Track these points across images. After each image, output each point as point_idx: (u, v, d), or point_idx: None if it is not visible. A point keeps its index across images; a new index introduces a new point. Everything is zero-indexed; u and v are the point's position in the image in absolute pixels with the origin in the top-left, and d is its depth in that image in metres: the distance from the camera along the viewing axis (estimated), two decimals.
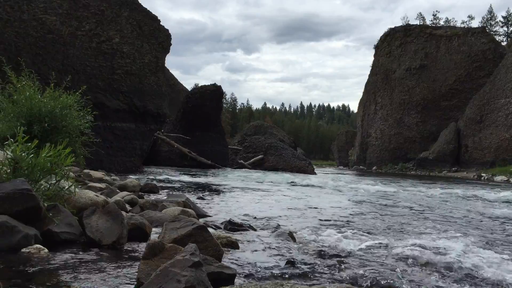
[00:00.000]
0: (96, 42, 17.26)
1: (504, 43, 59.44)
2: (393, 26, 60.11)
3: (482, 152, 42.53)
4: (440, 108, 51.07)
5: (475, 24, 71.13)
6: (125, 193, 6.54)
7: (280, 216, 6.54)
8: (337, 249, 4.25)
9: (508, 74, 40.11)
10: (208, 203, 7.92)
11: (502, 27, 68.39)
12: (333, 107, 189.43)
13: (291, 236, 4.64)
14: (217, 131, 29.52)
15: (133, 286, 2.48)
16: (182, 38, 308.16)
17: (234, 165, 29.62)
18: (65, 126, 6.53)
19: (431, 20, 67.42)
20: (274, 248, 4.03)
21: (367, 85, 62.51)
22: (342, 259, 3.81)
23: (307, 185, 15.35)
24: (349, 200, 10.38)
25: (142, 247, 3.49)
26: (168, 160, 26.18)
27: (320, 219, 6.49)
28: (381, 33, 61.82)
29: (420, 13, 78.99)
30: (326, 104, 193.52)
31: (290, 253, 3.90)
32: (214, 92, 28.71)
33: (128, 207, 5.52)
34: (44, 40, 15.45)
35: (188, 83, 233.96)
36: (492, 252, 4.38)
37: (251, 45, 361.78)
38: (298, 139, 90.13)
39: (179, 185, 12.42)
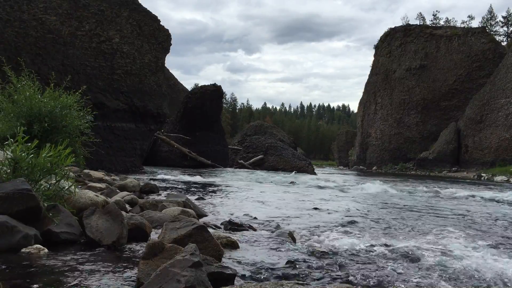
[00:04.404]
0: (96, 42, 17.26)
1: (504, 43, 59.42)
2: (393, 26, 60.14)
3: (482, 152, 42.53)
4: (440, 108, 51.09)
5: (475, 24, 71.17)
6: (125, 193, 6.54)
7: (280, 216, 6.54)
8: (337, 249, 4.25)
9: (508, 74, 40.10)
10: (208, 203, 7.92)
11: (502, 27, 68.36)
12: (333, 107, 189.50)
13: (291, 236, 4.64)
14: (217, 131, 29.52)
15: (133, 286, 2.48)
16: (183, 38, 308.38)
17: (234, 165, 29.62)
18: (65, 126, 6.54)
19: (431, 20, 67.38)
20: (274, 248, 4.03)
21: (367, 85, 62.50)
22: (342, 259, 3.81)
23: (307, 185, 15.35)
24: (349, 200, 10.38)
25: (142, 247, 3.49)
26: (168, 160, 26.18)
27: (320, 219, 6.49)
28: (382, 34, 61.84)
29: (420, 13, 78.90)
30: (326, 104, 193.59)
31: (290, 253, 3.90)
32: (214, 92, 28.71)
33: (128, 207, 5.52)
34: (44, 40, 15.45)
35: (189, 83, 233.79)
36: (493, 252, 4.38)
37: (252, 45, 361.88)
38: (298, 139, 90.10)
39: (179, 185, 12.42)
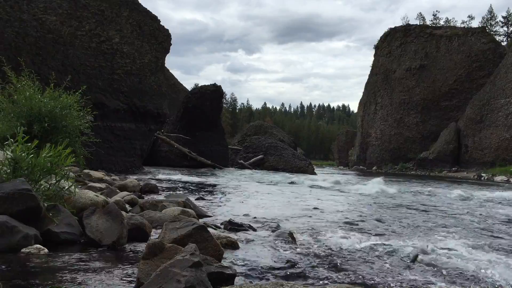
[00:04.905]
0: (96, 42, 17.26)
1: (504, 43, 59.40)
2: (393, 26, 60.12)
3: (482, 152, 42.53)
4: (440, 108, 51.07)
5: (475, 24, 71.09)
6: (125, 193, 6.54)
7: (280, 216, 6.53)
8: (337, 249, 4.25)
9: (508, 74, 40.10)
10: (208, 203, 7.92)
11: (502, 27, 68.29)
12: (333, 107, 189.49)
13: (291, 236, 4.64)
14: (217, 131, 29.51)
15: (133, 286, 2.48)
16: (183, 39, 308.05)
17: (234, 165, 29.62)
18: (65, 126, 6.54)
19: (431, 20, 67.38)
20: (274, 248, 4.03)
21: (367, 85, 62.50)
22: (342, 259, 3.81)
23: (307, 185, 15.35)
24: (349, 200, 10.38)
25: (142, 247, 3.49)
26: (168, 160, 26.16)
27: (320, 219, 6.49)
28: (382, 34, 61.81)
29: (420, 13, 78.91)
30: (326, 104, 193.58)
31: (290, 253, 3.90)
32: (214, 92, 28.70)
33: (128, 207, 5.52)
34: (44, 40, 15.45)
35: (189, 83, 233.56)
36: (493, 253, 4.38)
37: (253, 46, 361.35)
38: (298, 139, 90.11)
39: (179, 185, 12.42)
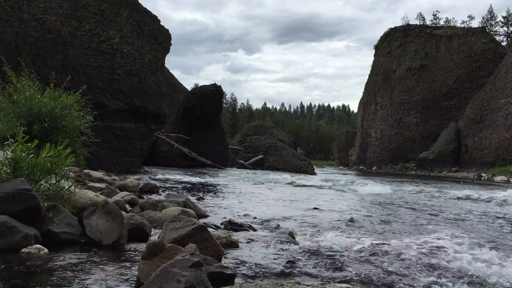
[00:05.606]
0: (96, 42, 17.26)
1: (504, 43, 59.38)
2: (393, 26, 60.12)
3: (482, 152, 42.52)
4: (440, 108, 51.06)
5: (475, 24, 71.09)
6: (125, 193, 6.54)
7: (280, 216, 6.54)
8: (337, 248, 4.25)
9: (508, 74, 40.09)
10: (208, 203, 7.92)
11: (502, 27, 68.30)
12: (333, 107, 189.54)
13: (291, 236, 4.64)
14: (217, 131, 29.51)
15: (133, 286, 2.48)
16: (183, 39, 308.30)
17: (234, 165, 29.62)
18: (65, 126, 6.54)
19: (431, 20, 67.38)
20: (274, 248, 4.03)
21: (367, 85, 62.50)
22: (342, 259, 3.81)
23: (307, 185, 15.35)
24: (348, 200, 10.38)
25: (142, 247, 3.49)
26: (168, 160, 26.16)
27: (320, 219, 6.49)
28: (382, 34, 61.81)
29: (420, 13, 78.94)
30: (326, 104, 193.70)
31: (290, 253, 3.90)
32: (214, 92, 28.70)
33: (128, 207, 5.52)
34: (44, 40, 15.45)
35: (189, 83, 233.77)
36: (492, 252, 4.38)
37: (253, 46, 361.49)
38: (298, 139, 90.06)
39: (179, 185, 12.42)
